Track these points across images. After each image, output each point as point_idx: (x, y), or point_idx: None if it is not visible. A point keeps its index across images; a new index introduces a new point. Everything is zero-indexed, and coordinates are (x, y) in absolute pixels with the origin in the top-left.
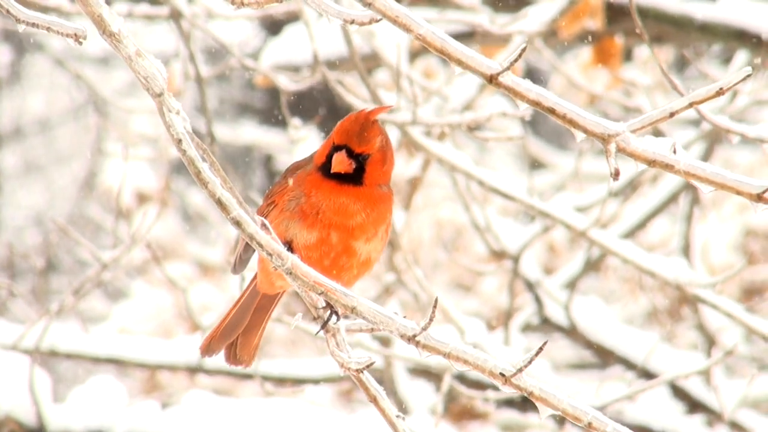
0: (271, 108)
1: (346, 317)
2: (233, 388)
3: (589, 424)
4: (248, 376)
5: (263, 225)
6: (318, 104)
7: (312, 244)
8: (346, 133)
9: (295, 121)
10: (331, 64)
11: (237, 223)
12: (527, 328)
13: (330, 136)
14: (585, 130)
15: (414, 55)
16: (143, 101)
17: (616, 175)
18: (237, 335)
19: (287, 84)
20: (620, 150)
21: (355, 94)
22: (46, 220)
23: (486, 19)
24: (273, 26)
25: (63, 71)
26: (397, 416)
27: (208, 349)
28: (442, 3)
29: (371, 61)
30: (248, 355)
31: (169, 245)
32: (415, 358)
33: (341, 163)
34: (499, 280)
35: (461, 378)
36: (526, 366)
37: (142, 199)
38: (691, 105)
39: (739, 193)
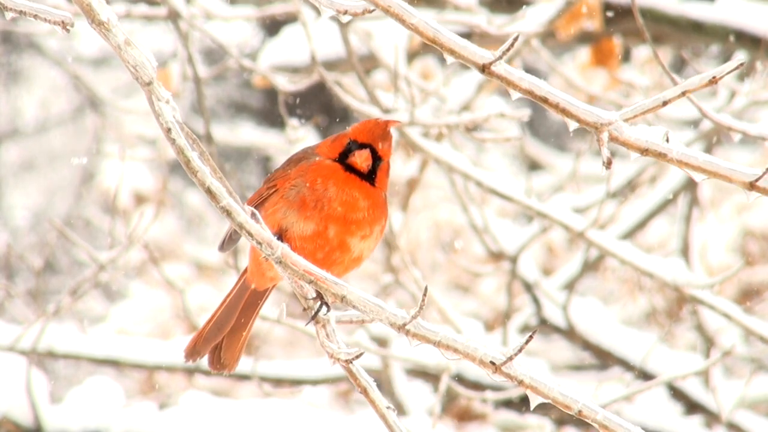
0: (269, 108)
1: (335, 308)
2: (231, 389)
3: (579, 411)
4: (246, 377)
5: (253, 214)
6: (316, 105)
7: (308, 236)
8: (371, 134)
9: (294, 122)
10: (329, 65)
11: (227, 213)
12: (525, 329)
13: (344, 133)
14: (578, 119)
15: (412, 55)
16: (141, 102)
17: (608, 163)
18: (223, 336)
19: (285, 84)
20: (613, 139)
21: (352, 94)
22: (43, 221)
23: (484, 20)
24: (271, 27)
25: (61, 72)
26: (388, 407)
27: (193, 352)
28: (440, 4)
29: (369, 62)
30: (232, 359)
31: (167, 246)
32: (412, 359)
33: (367, 159)
34: (497, 281)
35: (459, 378)
36: (516, 354)
37: (139, 199)
38: (684, 94)
39: (731, 181)
